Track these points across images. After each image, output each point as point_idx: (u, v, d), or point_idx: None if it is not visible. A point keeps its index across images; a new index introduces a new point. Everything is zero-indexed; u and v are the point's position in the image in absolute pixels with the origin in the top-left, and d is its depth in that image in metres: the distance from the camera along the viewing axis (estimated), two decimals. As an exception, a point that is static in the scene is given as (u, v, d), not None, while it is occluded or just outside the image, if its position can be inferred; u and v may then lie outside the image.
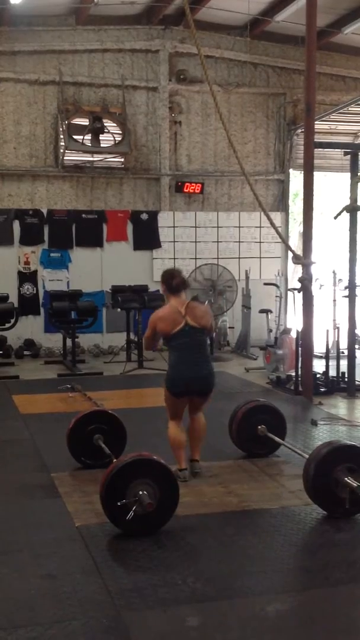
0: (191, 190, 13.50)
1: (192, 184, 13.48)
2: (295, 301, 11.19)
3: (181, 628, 3.78)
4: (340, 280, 12.26)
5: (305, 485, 5.25)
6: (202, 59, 8.72)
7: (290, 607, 3.97)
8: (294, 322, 11.23)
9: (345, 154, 9.75)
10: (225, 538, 4.85)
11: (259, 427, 6.45)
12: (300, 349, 9.37)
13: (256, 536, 4.87)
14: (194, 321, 5.86)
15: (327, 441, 5.67)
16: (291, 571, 4.41)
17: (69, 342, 11.64)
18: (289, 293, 12.37)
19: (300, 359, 9.37)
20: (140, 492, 4.72)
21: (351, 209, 9.21)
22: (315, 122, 9.61)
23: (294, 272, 13.28)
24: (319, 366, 10.06)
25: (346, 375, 9.58)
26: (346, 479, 5.02)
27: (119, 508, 4.72)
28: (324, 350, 9.98)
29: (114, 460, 5.27)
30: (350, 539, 4.82)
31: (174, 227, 13.44)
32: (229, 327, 13.30)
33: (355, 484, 4.96)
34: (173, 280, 5.96)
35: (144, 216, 13.28)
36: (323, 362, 9.93)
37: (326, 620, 3.87)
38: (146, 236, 13.27)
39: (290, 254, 10.23)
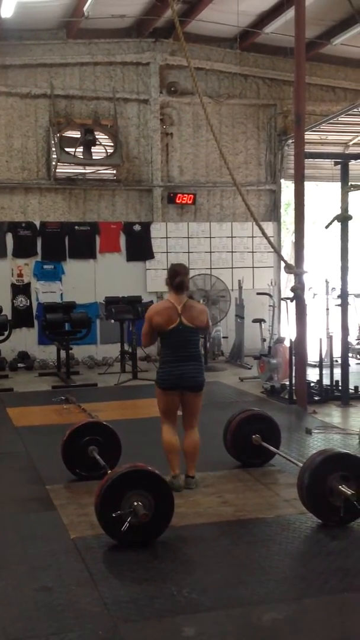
0: (183, 201, 13.54)
1: (184, 195, 13.52)
2: (289, 310, 11.20)
3: (177, 638, 3.78)
4: (333, 289, 12.30)
5: (300, 493, 5.27)
6: (193, 71, 8.75)
7: (286, 616, 3.98)
8: (288, 331, 11.25)
9: (336, 164, 9.81)
10: (220, 548, 4.86)
11: (254, 436, 6.47)
12: (293, 358, 9.41)
13: (252, 545, 4.89)
14: (189, 321, 5.95)
15: (321, 450, 5.68)
16: (287, 580, 4.42)
17: (63, 353, 11.65)
18: (282, 302, 12.38)
19: (294, 368, 9.41)
20: (135, 503, 4.73)
21: (342, 219, 9.26)
22: (306, 133, 9.68)
23: (287, 282, 13.31)
24: (312, 375, 10.08)
25: (340, 384, 9.62)
26: (340, 487, 5.04)
27: (114, 519, 4.73)
28: (318, 359, 9.99)
29: (109, 471, 5.27)
30: (345, 547, 4.83)
31: (166, 238, 13.47)
32: (223, 337, 13.33)
33: (349, 492, 4.98)
34: (175, 278, 6.01)
35: (137, 227, 13.32)
36: (317, 370, 9.94)
37: (322, 628, 3.88)
38: (139, 247, 13.30)
39: (282, 264, 10.27)
